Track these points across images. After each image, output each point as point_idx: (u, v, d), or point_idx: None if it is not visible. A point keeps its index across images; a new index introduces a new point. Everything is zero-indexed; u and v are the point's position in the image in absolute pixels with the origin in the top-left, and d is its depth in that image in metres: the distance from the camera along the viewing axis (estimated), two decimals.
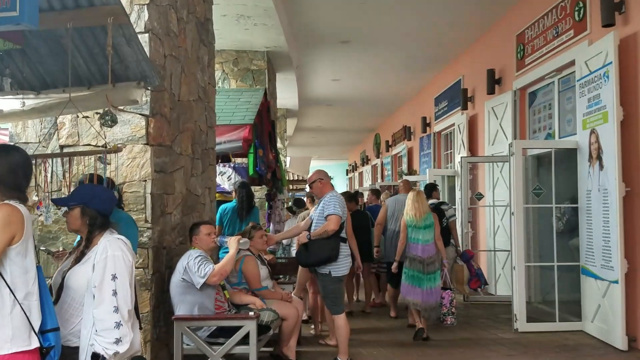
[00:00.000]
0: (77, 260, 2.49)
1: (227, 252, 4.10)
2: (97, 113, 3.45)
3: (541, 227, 7.61)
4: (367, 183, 20.80)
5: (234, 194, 6.11)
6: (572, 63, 6.48)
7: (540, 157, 7.53)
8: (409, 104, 15.04)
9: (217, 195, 6.32)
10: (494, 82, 8.68)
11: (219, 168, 6.31)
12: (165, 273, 4.16)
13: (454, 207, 7.63)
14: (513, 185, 6.18)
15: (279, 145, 14.27)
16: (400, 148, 15.63)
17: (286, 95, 12.58)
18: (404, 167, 14.84)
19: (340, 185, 31.73)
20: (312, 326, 6.10)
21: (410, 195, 6.00)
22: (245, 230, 5.03)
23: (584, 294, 6.04)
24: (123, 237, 2.53)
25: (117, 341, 2.31)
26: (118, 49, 3.11)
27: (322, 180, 4.88)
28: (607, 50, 5.55)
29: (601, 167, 5.66)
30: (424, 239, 5.73)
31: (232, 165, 6.33)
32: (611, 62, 5.48)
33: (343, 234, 4.72)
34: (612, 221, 5.44)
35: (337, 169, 33.58)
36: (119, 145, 3.32)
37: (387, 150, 17.89)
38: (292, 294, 5.37)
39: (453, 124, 10.84)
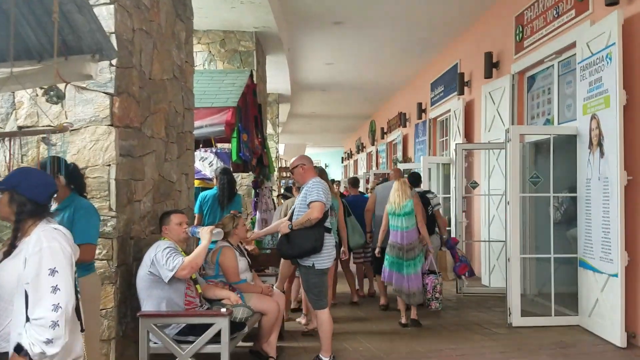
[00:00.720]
0: (7, 253, 2.18)
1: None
2: (41, 88, 3.12)
3: (538, 217, 7.33)
4: (362, 171, 20.50)
5: (215, 180, 5.79)
6: (573, 45, 6.16)
7: (538, 144, 7.22)
8: (404, 89, 14.69)
9: (197, 182, 6.02)
10: (491, 66, 8.35)
11: (200, 153, 6.00)
12: (133, 265, 3.86)
13: (438, 195, 7.54)
14: (509, 173, 5.88)
15: (270, 131, 13.97)
16: (395, 135, 15.31)
17: (278, 80, 12.22)
18: (399, 154, 14.53)
19: (336, 173, 31.45)
20: (299, 319, 5.80)
21: (395, 184, 6.08)
22: (225, 220, 4.72)
23: (582, 287, 5.77)
24: (61, 227, 2.22)
25: (48, 342, 2.02)
26: (69, 17, 2.77)
27: (304, 165, 4.56)
28: (610, 30, 5.23)
29: (602, 154, 5.37)
30: (403, 225, 5.80)
31: (214, 150, 6.01)
32: (614, 43, 5.15)
33: (328, 224, 4.42)
34: (613, 211, 5.16)
35: (332, 157, 33.33)
36: (65, 125, 2.98)
37: (382, 138, 17.56)
38: (274, 287, 5.08)
39: (449, 110, 10.52)
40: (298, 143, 28.23)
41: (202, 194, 5.74)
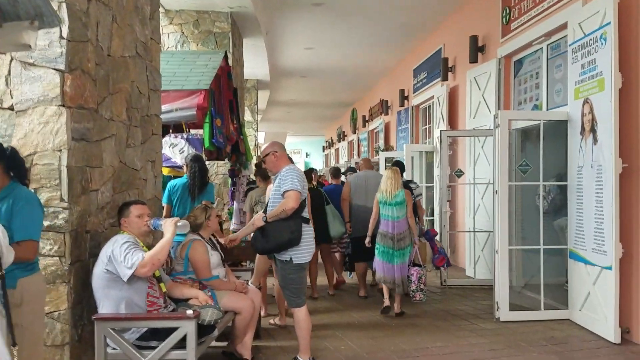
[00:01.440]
0: None
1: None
2: None
3: (524, 207, 7.08)
4: (343, 160, 20.18)
5: (185, 168, 5.37)
6: (564, 26, 5.87)
7: (525, 131, 6.96)
8: (387, 76, 14.35)
9: (166, 170, 5.62)
10: (476, 50, 8.06)
11: (170, 139, 5.59)
12: (90, 262, 3.47)
13: (420, 185, 7.47)
14: (497, 160, 5.59)
15: (248, 118, 13.54)
16: (377, 123, 15.00)
17: (256, 65, 11.78)
18: (381, 142, 14.23)
19: (317, 162, 31.09)
20: (272, 320, 5.46)
21: (387, 173, 6.04)
22: (197, 212, 4.34)
23: (572, 280, 5.53)
24: None
25: None
26: None
27: (276, 152, 4.19)
28: (604, 9, 4.94)
29: (595, 140, 5.10)
30: (394, 215, 5.80)
31: (185, 136, 5.60)
32: (609, 23, 4.87)
33: (305, 214, 4.07)
34: (607, 201, 4.90)
35: (313, 146, 32.95)
36: None
37: (364, 126, 17.25)
38: (249, 283, 4.73)
39: (432, 97, 10.22)
40: (278, 131, 27.78)
41: (170, 183, 5.34)
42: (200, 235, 4.18)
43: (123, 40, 3.99)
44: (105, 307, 3.27)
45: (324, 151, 29.17)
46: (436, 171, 9.71)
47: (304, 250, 4.03)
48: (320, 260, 7.12)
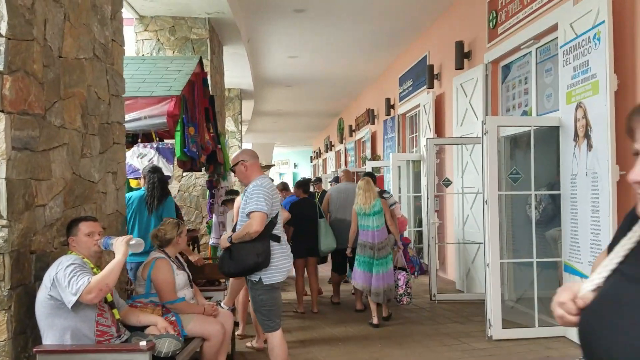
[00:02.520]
0: None
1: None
2: None
3: (515, 217, 6.79)
4: (331, 170, 19.87)
5: (142, 180, 4.99)
6: (554, 28, 5.62)
7: (515, 139, 6.68)
8: (372, 85, 14.10)
9: (134, 182, 5.25)
10: (462, 56, 7.80)
11: (139, 149, 5.22)
12: (36, 286, 3.09)
13: (392, 195, 7.44)
14: (486, 169, 5.28)
15: (232, 128, 13.20)
16: (364, 132, 14.72)
17: (238, 74, 11.46)
18: (368, 152, 13.94)
19: (305, 172, 30.77)
20: (249, 343, 5.06)
21: (360, 184, 6.06)
22: (167, 227, 3.97)
23: None
24: None
25: None
26: None
27: (246, 162, 3.84)
28: (598, 7, 4.69)
29: (589, 147, 4.82)
30: (374, 225, 5.84)
31: (155, 145, 5.24)
32: (603, 22, 4.62)
33: (277, 231, 3.71)
34: (603, 210, 4.61)
35: (301, 156, 32.67)
36: None
37: (351, 136, 16.97)
38: (222, 304, 4.37)
39: (418, 105, 9.95)
40: (265, 142, 27.46)
41: (126, 196, 4.92)
42: (166, 253, 3.82)
43: (77, 41, 3.64)
44: (49, 337, 2.89)
45: (311, 161, 28.88)
46: (423, 180, 9.42)
47: (275, 270, 3.68)
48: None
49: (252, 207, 3.57)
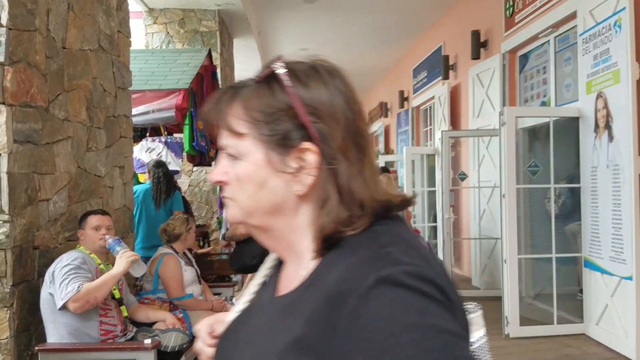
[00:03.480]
0: None
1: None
2: None
3: (532, 211, 6.62)
4: None
5: (147, 175, 4.91)
6: (573, 16, 5.42)
7: (533, 130, 6.49)
8: (386, 77, 13.92)
9: (143, 176, 5.17)
10: (479, 46, 7.61)
11: (147, 143, 5.15)
12: (39, 283, 3.02)
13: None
14: (504, 161, 5.12)
15: None
16: (377, 126, 14.56)
17: (249, 67, 11.34)
18: (381, 146, 13.78)
19: None
20: None
21: (383, 179, 5.96)
22: (177, 222, 3.88)
23: (588, 291, 5.06)
24: None
25: None
26: None
27: None
28: None
29: (611, 138, 4.64)
30: None
31: (163, 140, 5.16)
32: (624, 8, 4.42)
33: None
34: (625, 204, 4.44)
35: None
36: None
37: None
38: (233, 301, 4.28)
39: (433, 97, 9.77)
40: None
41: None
42: (174, 248, 3.73)
43: (82, 32, 3.56)
44: (52, 335, 2.82)
45: None
46: (438, 174, 9.25)
47: None
48: None
49: None
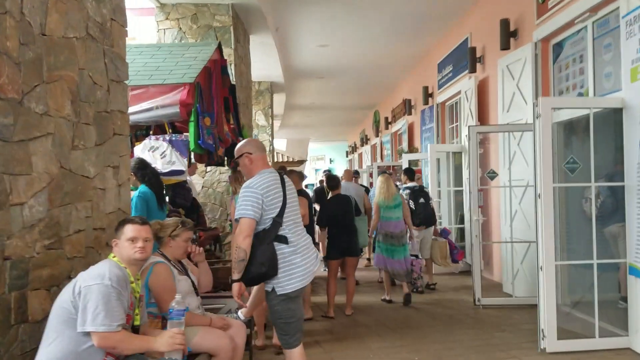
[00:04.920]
0: None
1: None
2: None
3: (568, 213, 6.09)
4: (367, 164, 19.27)
5: (134, 177, 4.50)
6: None
7: (569, 124, 5.96)
8: (409, 73, 13.42)
9: None
10: (508, 35, 7.10)
11: (150, 142, 4.80)
12: (11, 297, 2.67)
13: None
14: (539, 157, 4.63)
15: (262, 122, 12.79)
16: (400, 124, 14.07)
17: (267, 66, 11.02)
18: (404, 145, 13.29)
19: (342, 168, 30.23)
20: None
21: (381, 179, 6.76)
22: (165, 222, 3.52)
23: (634, 300, 4.54)
24: None
25: None
26: None
27: (251, 154, 3.37)
28: None
29: None
30: (395, 216, 6.58)
31: (167, 138, 4.82)
32: None
33: (285, 231, 3.21)
34: None
35: (337, 151, 32.13)
36: None
37: (387, 128, 16.33)
38: (239, 314, 3.90)
39: (459, 92, 9.27)
40: (301, 138, 27.06)
41: (139, 192, 4.44)
42: (165, 256, 3.36)
43: (65, 17, 3.21)
44: (53, 344, 2.51)
45: (347, 156, 28.31)
46: (465, 173, 8.75)
47: (286, 278, 3.17)
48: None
49: (239, 210, 3.13)
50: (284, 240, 3.16)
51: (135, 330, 2.82)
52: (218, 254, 5.99)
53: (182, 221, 3.57)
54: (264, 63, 10.70)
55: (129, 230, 2.82)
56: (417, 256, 7.13)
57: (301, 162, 22.27)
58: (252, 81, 11.93)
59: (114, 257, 2.83)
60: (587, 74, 5.72)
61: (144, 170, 4.43)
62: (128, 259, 2.80)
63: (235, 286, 3.16)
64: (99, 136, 3.54)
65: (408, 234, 6.81)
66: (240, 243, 3.11)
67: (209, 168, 7.40)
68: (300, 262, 3.20)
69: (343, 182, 7.55)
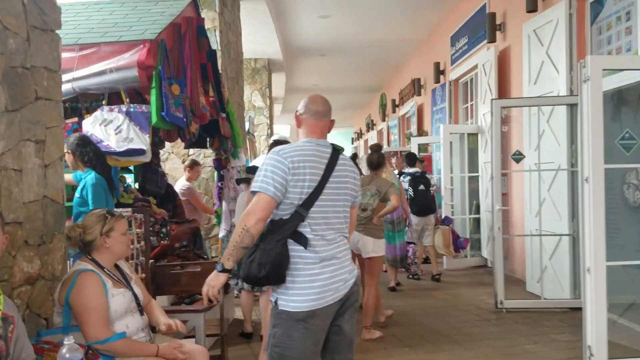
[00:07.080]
0: None
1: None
2: None
3: (608, 200, 5.14)
4: None
5: (72, 157, 3.62)
6: None
7: (618, 94, 4.98)
8: (419, 49, 12.40)
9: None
10: None
11: (102, 114, 3.89)
12: None
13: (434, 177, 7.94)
14: (587, 132, 3.68)
15: (259, 104, 11.86)
16: (409, 107, 13.10)
17: (262, 39, 10.06)
18: (413, 128, 12.34)
19: (347, 154, 29.29)
20: None
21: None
22: (87, 220, 2.61)
23: None
24: None
25: None
26: None
27: (301, 115, 2.46)
28: None
29: None
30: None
31: (124, 109, 3.91)
32: None
33: (308, 229, 2.28)
34: None
35: (342, 138, 31.13)
36: None
37: (394, 112, 15.36)
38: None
39: (475, 66, 8.29)
40: None
41: (91, 178, 3.57)
42: (96, 261, 2.47)
43: None
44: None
45: (352, 143, 27.35)
46: (483, 157, 7.82)
47: (297, 292, 2.24)
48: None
49: (254, 185, 2.27)
50: (302, 240, 2.22)
51: None
52: (197, 250, 5.10)
53: (107, 211, 2.66)
54: (258, 36, 9.74)
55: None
56: (413, 243, 7.20)
57: None
58: (248, 58, 10.98)
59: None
60: (636, 33, 4.75)
61: (84, 147, 3.55)
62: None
63: (219, 277, 2.25)
64: (11, 99, 2.63)
65: (407, 221, 6.81)
66: (250, 226, 2.17)
67: (191, 151, 6.51)
68: (320, 274, 2.25)
69: None
